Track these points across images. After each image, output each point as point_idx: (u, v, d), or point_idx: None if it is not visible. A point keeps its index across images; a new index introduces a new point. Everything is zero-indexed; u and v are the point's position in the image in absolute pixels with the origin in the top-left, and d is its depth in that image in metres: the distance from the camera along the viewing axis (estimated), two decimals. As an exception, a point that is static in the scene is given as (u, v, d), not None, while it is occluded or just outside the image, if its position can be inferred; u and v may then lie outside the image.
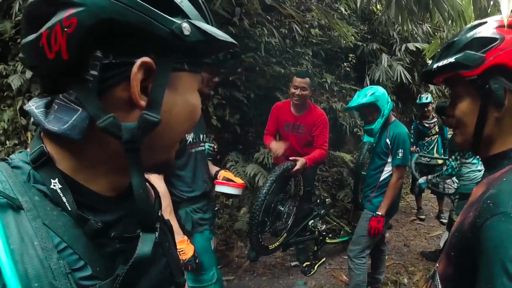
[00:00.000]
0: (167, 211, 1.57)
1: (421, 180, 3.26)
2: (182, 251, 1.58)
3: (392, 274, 3.14)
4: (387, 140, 2.40)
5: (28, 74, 3.18)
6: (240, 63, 4.19)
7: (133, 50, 0.40)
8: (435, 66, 0.74)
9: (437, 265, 0.76)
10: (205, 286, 1.80)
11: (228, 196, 2.09)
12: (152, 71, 0.41)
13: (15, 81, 3.11)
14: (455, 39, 0.73)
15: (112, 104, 0.41)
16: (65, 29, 0.37)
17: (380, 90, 2.40)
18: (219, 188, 1.96)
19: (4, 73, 3.26)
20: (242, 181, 1.94)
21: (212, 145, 2.27)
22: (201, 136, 1.81)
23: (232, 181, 1.91)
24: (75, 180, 0.44)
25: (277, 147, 2.77)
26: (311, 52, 5.30)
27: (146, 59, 0.40)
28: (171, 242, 0.63)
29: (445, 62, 0.71)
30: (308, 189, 3.13)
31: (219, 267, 2.92)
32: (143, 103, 0.41)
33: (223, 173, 2.00)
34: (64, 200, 0.42)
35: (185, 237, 1.65)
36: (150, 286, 0.51)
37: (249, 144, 4.24)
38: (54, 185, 0.42)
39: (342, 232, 3.39)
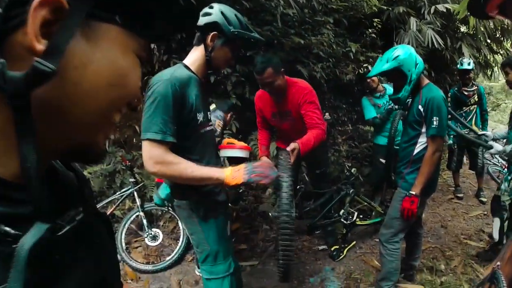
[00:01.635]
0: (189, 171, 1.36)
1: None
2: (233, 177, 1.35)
3: (428, 259, 2.89)
4: (420, 107, 2.07)
5: None
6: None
7: None
8: None
9: (498, 263, 0.65)
10: (222, 278, 1.65)
11: (235, 161, 1.88)
12: (63, 12, 0.34)
13: None
14: None
15: (12, 50, 0.33)
16: None
17: (405, 52, 2.06)
18: (224, 153, 1.84)
19: None
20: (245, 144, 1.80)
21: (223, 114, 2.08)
22: (209, 115, 1.63)
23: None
24: None
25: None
26: (333, 20, 4.90)
27: None
28: (107, 241, 0.54)
29: None
30: (323, 170, 2.86)
31: (241, 249, 2.86)
32: (40, 47, 0.33)
33: (226, 140, 1.90)
34: None
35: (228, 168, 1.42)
36: None
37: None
38: None
39: (373, 213, 3.15)
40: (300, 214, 2.60)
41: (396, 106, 3.06)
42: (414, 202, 2.09)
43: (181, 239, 2.96)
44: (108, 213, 3.14)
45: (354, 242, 3.05)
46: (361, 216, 3.00)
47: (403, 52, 2.06)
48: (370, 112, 3.50)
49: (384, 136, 3.39)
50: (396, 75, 2.10)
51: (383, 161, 3.04)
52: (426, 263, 2.83)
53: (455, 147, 4.20)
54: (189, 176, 1.36)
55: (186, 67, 1.50)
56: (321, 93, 4.49)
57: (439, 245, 3.17)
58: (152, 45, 3.38)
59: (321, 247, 3.02)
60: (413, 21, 5.32)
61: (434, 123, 2.03)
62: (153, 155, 1.34)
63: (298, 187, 2.53)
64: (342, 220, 2.68)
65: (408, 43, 5.20)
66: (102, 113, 0.40)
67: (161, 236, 3.02)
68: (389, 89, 3.20)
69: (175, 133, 1.37)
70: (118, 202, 3.14)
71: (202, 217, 1.59)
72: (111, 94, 0.39)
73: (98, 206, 3.18)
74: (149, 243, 2.98)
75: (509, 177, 2.66)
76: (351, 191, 2.68)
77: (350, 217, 2.69)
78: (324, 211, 2.50)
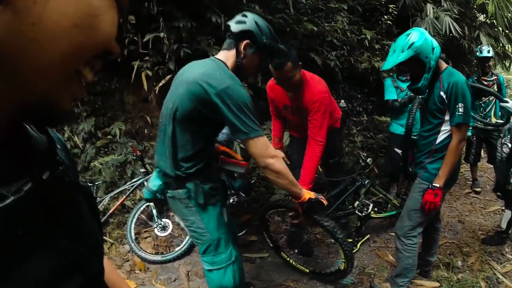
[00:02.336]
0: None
1: None
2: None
3: (444, 255, 2.79)
4: (441, 93, 1.93)
5: None
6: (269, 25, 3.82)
7: None
8: None
9: None
10: (224, 267, 1.64)
11: (230, 173, 2.03)
12: None
13: None
14: None
15: None
16: None
17: (420, 37, 1.88)
18: (225, 165, 1.95)
19: None
20: (242, 158, 1.90)
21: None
22: None
23: (233, 157, 1.88)
24: None
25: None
26: (347, 7, 4.75)
27: None
28: (88, 216, 0.49)
29: None
30: (336, 159, 2.79)
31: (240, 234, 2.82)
32: None
33: (221, 148, 1.95)
34: None
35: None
36: (36, 273, 0.37)
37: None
38: None
39: (389, 206, 3.04)
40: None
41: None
42: (438, 195, 1.98)
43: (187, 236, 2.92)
44: (118, 203, 3.13)
45: (368, 236, 2.96)
46: (375, 209, 2.90)
47: (418, 38, 1.88)
48: (391, 94, 3.37)
49: (401, 124, 3.27)
50: (413, 64, 1.94)
51: (399, 151, 2.92)
52: (442, 259, 2.73)
53: (474, 139, 4.03)
54: (290, 177, 1.56)
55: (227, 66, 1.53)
56: (335, 82, 4.37)
57: (456, 240, 3.06)
58: (162, 35, 3.32)
59: (333, 240, 2.93)
60: (429, 8, 5.12)
61: (460, 110, 1.89)
62: (269, 150, 1.45)
63: None
64: (357, 212, 2.58)
65: (426, 31, 5.00)
66: (66, 62, 0.33)
67: (170, 226, 2.99)
68: None
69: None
70: (129, 192, 3.13)
71: (200, 205, 1.57)
72: (77, 38, 0.33)
73: (109, 195, 3.17)
74: (158, 234, 2.96)
75: None
76: (366, 182, 2.57)
77: (365, 209, 2.59)
78: (338, 202, 2.41)
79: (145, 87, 3.41)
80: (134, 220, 2.97)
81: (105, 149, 3.64)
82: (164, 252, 2.87)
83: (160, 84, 3.36)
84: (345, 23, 4.52)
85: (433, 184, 1.99)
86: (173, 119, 1.47)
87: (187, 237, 2.88)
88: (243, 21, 1.52)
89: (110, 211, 3.13)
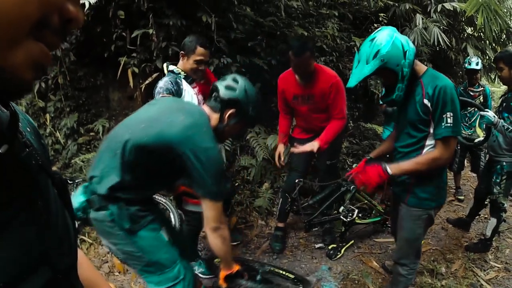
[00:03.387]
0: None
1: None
2: None
3: (428, 261, 2.80)
4: (425, 101, 1.61)
5: None
6: (259, 28, 3.82)
7: None
8: None
9: None
10: (173, 286, 1.46)
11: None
12: None
13: None
14: None
15: None
16: None
17: (386, 42, 1.57)
18: (187, 206, 1.98)
19: None
20: None
21: None
22: None
23: (195, 197, 1.79)
24: None
25: (282, 155, 2.70)
26: (338, 14, 4.80)
27: None
28: (58, 205, 0.47)
29: None
30: (333, 162, 2.86)
31: (235, 243, 2.77)
32: None
33: (182, 187, 1.88)
34: None
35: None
36: None
37: (271, 114, 3.92)
38: None
39: (373, 212, 3.04)
40: (297, 210, 2.50)
41: None
42: (381, 178, 1.70)
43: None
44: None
45: (352, 241, 2.96)
46: (360, 215, 2.90)
47: (385, 43, 1.57)
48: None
49: (390, 130, 3.28)
50: (383, 74, 1.67)
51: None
52: (426, 265, 2.74)
53: (458, 147, 4.10)
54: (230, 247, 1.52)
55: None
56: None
57: (439, 247, 3.08)
58: (151, 31, 3.26)
59: (317, 245, 2.92)
60: (419, 18, 5.22)
61: (448, 120, 1.58)
62: (222, 217, 1.42)
63: (296, 180, 2.43)
64: (342, 217, 2.57)
65: (413, 41, 5.10)
66: (14, 20, 0.30)
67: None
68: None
69: None
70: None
71: (127, 230, 1.38)
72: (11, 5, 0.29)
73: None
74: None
75: (497, 180, 2.77)
76: (352, 187, 2.54)
77: (350, 214, 2.58)
78: (323, 207, 2.39)
79: (131, 84, 3.34)
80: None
81: (87, 146, 3.55)
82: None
83: (147, 81, 3.30)
84: (335, 29, 4.56)
85: (388, 168, 1.70)
86: (135, 142, 1.34)
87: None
88: (233, 88, 1.46)
89: (90, 210, 3.03)
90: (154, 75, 3.28)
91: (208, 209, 1.38)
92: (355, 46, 4.68)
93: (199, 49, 2.19)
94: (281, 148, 2.74)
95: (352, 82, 1.67)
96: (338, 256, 2.79)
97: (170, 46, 3.28)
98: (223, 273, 1.53)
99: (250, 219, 3.19)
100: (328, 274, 2.62)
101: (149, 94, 3.43)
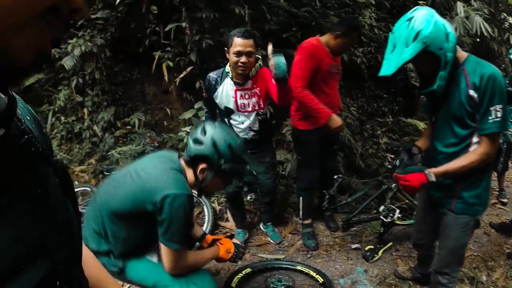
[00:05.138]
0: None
1: None
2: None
3: (469, 269, 2.61)
4: (471, 92, 1.41)
5: (76, 51, 3.35)
6: (294, 19, 3.70)
7: None
8: None
9: None
10: None
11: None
12: None
13: (67, 62, 3.38)
14: None
15: None
16: None
17: (426, 22, 1.37)
18: None
19: (57, 56, 3.50)
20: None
21: None
22: None
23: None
24: None
25: (339, 121, 2.39)
26: (374, 2, 4.56)
27: None
28: (58, 194, 0.46)
29: None
30: (336, 147, 2.79)
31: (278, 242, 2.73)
32: None
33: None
34: None
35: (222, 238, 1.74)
36: None
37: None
38: None
39: (414, 213, 2.87)
40: (335, 208, 2.39)
41: None
42: (424, 186, 1.52)
43: (205, 225, 2.85)
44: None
45: (391, 243, 2.81)
46: (400, 215, 2.74)
47: (425, 22, 1.36)
48: None
49: None
50: (422, 60, 1.44)
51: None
52: (467, 272, 2.55)
53: (505, 146, 3.78)
54: (199, 261, 1.57)
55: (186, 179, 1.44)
56: (360, 80, 4.21)
57: (481, 253, 2.87)
58: (184, 25, 3.26)
59: (354, 246, 2.80)
60: (460, 6, 4.84)
61: (498, 114, 1.39)
62: (181, 263, 1.44)
63: (335, 177, 2.32)
64: (382, 217, 2.43)
65: (455, 31, 4.76)
66: (27, 5, 0.31)
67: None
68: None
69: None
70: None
71: (116, 273, 1.46)
72: None
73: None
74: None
75: None
76: (393, 185, 2.41)
77: (391, 214, 2.43)
78: (362, 206, 2.27)
79: (166, 78, 3.36)
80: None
81: (124, 139, 3.63)
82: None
83: (181, 75, 3.30)
84: (372, 19, 4.35)
85: (431, 176, 1.50)
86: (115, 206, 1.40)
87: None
88: (200, 142, 1.39)
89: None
90: (189, 69, 3.28)
91: (168, 256, 1.41)
92: (394, 36, 4.44)
93: (236, 40, 2.07)
94: (335, 116, 2.40)
95: (390, 69, 1.43)
96: (375, 259, 2.66)
97: (204, 39, 3.26)
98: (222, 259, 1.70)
99: (284, 216, 3.12)
100: (363, 277, 2.50)
101: (183, 88, 3.45)
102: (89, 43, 3.37)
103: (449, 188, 1.62)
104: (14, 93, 0.42)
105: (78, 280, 0.52)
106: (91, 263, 0.68)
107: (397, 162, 1.74)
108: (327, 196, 2.49)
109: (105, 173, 3.22)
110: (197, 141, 1.39)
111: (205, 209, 2.88)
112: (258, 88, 2.24)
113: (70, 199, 0.50)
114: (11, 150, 0.38)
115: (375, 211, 2.54)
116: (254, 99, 2.27)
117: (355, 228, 2.81)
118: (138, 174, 1.38)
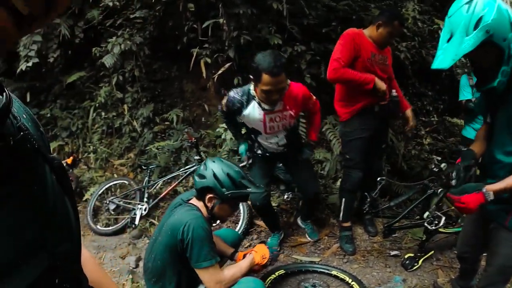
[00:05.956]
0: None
1: None
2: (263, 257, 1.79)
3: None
4: None
5: (116, 49, 3.42)
6: (333, 13, 3.57)
7: None
8: None
9: None
10: None
11: None
12: None
13: (108, 60, 3.49)
14: None
15: None
16: None
17: (489, 6, 1.19)
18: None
19: (98, 55, 3.63)
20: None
21: None
22: None
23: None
24: None
25: (383, 85, 2.30)
26: (418, -6, 4.30)
27: None
28: (54, 191, 0.46)
29: None
30: (384, 146, 2.70)
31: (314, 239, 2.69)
32: None
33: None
34: None
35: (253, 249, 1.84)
36: None
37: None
38: None
39: (459, 220, 2.69)
40: (376, 212, 2.28)
41: None
42: (482, 205, 1.36)
43: (240, 222, 2.86)
44: (170, 188, 3.18)
45: (432, 252, 2.65)
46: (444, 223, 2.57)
47: (488, 8, 1.18)
48: (466, 94, 2.98)
49: (475, 128, 2.86)
50: (482, 52, 1.25)
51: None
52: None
53: None
54: (237, 274, 1.68)
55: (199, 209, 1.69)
56: (404, 77, 4.00)
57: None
58: (221, 21, 3.25)
59: (393, 252, 2.67)
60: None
61: None
62: (217, 276, 1.59)
63: (379, 178, 2.21)
64: (426, 224, 2.28)
65: None
66: None
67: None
68: None
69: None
70: (182, 178, 3.16)
71: None
72: None
73: (163, 180, 3.22)
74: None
75: None
76: (439, 190, 2.24)
77: (436, 221, 2.27)
78: (406, 211, 2.15)
79: (204, 75, 3.39)
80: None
81: (162, 135, 3.73)
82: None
83: (219, 72, 3.31)
84: (416, 11, 4.09)
85: (489, 192, 1.33)
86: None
87: (236, 230, 2.81)
88: (203, 176, 1.64)
89: (162, 195, 3.19)
90: (227, 65, 3.28)
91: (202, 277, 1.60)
92: (439, 29, 4.15)
93: (266, 78, 1.87)
94: (378, 80, 2.30)
95: (446, 61, 1.25)
96: (414, 267, 2.52)
97: (242, 35, 3.24)
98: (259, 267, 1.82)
99: (322, 217, 3.05)
100: (401, 287, 2.39)
101: (221, 84, 3.46)
102: (128, 42, 3.44)
103: (505, 202, 1.45)
104: (10, 93, 0.43)
105: (77, 277, 0.53)
106: (90, 264, 0.70)
107: (453, 182, 1.50)
108: (368, 199, 2.38)
109: (143, 167, 3.33)
110: (200, 175, 1.66)
111: (241, 207, 2.88)
112: (288, 109, 2.16)
113: (67, 194, 0.51)
114: (6, 145, 0.39)
115: (417, 216, 2.39)
116: (285, 121, 2.20)
117: (395, 234, 2.68)
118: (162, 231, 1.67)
